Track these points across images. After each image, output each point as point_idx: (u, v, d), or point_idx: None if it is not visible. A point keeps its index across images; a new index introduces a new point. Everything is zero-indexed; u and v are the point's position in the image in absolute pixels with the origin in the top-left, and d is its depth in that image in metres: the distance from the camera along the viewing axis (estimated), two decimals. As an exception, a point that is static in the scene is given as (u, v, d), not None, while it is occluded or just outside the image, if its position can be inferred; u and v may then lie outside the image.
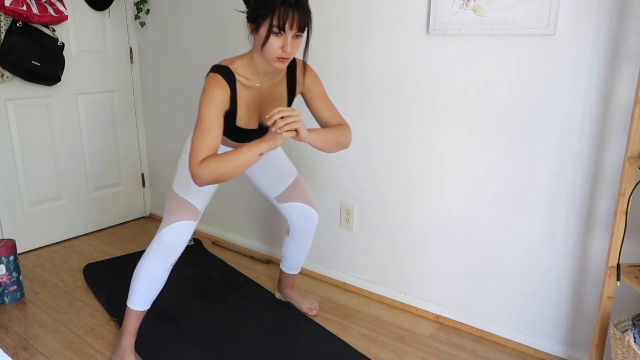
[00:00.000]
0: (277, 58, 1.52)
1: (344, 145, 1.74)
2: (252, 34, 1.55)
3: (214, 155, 1.51)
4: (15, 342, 1.94)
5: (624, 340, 1.39)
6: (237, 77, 1.60)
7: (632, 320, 1.51)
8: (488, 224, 1.94)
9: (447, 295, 2.11)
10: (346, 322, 2.11)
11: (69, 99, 2.80)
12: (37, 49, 2.48)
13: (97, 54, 2.90)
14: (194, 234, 3.03)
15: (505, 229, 1.91)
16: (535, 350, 1.92)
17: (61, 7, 2.53)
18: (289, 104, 1.79)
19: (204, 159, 1.50)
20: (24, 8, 2.35)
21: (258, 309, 2.17)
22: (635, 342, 1.39)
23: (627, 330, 1.49)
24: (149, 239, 2.94)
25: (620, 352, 1.42)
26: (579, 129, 1.69)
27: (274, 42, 1.49)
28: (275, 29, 1.47)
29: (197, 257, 2.66)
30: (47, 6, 2.47)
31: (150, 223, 3.22)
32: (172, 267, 1.78)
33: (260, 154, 1.52)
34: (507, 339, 1.98)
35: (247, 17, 1.54)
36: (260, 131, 1.73)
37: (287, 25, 1.46)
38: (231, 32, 2.57)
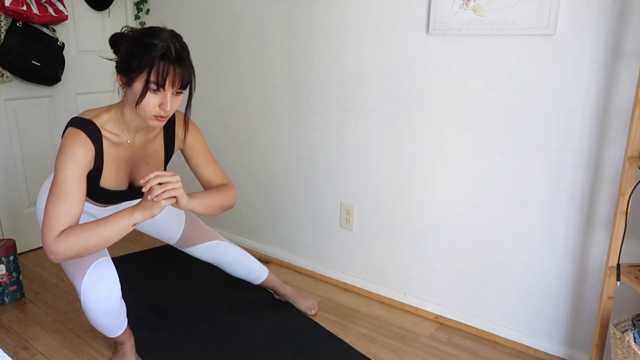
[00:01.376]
0: (154, 116, 1.35)
1: (229, 207, 1.60)
2: (122, 87, 1.38)
3: (76, 226, 1.32)
4: (15, 342, 1.94)
5: (624, 340, 1.39)
6: (103, 132, 1.42)
7: (632, 320, 1.51)
8: (488, 224, 1.94)
9: (447, 295, 2.11)
10: (346, 322, 2.11)
11: (69, 99, 2.80)
12: (37, 49, 2.48)
13: (97, 54, 2.90)
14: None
15: (505, 229, 1.91)
16: (535, 350, 1.92)
17: (61, 7, 2.53)
18: (166, 162, 1.64)
19: (63, 231, 1.30)
20: (24, 8, 2.35)
21: (258, 309, 2.17)
22: (635, 342, 1.39)
23: (627, 330, 1.49)
24: (149, 239, 2.93)
25: (620, 352, 1.42)
26: (579, 129, 1.69)
27: (151, 99, 1.32)
28: (153, 86, 1.30)
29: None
30: (47, 6, 2.47)
31: (150, 223, 3.21)
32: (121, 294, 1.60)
33: (134, 225, 1.36)
34: (506, 339, 1.98)
35: (117, 68, 1.37)
36: (130, 191, 1.56)
37: (167, 82, 1.30)
38: (231, 32, 2.57)
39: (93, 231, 1.32)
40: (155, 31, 1.35)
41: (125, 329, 1.75)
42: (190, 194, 1.46)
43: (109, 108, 1.46)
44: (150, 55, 1.29)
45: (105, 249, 1.59)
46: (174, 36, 1.36)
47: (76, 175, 1.34)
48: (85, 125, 1.39)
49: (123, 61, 1.35)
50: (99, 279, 1.52)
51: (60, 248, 1.30)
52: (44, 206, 1.51)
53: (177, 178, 1.36)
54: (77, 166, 1.35)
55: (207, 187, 1.65)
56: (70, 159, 1.34)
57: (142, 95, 1.32)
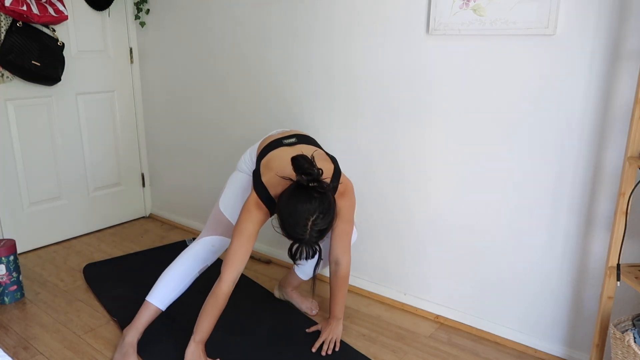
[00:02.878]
0: None
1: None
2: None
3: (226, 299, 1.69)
4: (15, 342, 1.94)
5: (624, 340, 1.39)
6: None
7: (632, 320, 1.51)
8: (487, 224, 1.94)
9: (447, 295, 2.11)
10: (346, 322, 2.11)
11: (69, 99, 2.81)
12: (37, 49, 2.48)
13: (97, 54, 2.90)
14: (194, 233, 3.03)
15: (504, 229, 1.91)
16: (535, 350, 1.92)
17: (61, 7, 2.53)
18: None
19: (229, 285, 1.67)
20: (24, 8, 2.35)
21: (258, 308, 2.17)
22: (635, 342, 1.39)
23: (627, 330, 1.49)
24: (149, 239, 2.94)
25: (620, 352, 1.42)
26: (579, 129, 1.69)
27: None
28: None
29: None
30: (47, 6, 2.47)
31: (150, 223, 3.22)
32: (199, 274, 1.91)
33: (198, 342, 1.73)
34: (507, 339, 1.98)
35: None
36: None
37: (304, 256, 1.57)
38: (231, 32, 2.57)
39: (212, 314, 1.70)
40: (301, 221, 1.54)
41: (158, 313, 1.84)
42: (336, 320, 1.93)
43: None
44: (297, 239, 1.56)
45: (229, 237, 1.90)
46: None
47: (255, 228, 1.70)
48: (263, 195, 1.68)
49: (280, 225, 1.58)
50: (212, 245, 1.89)
51: (226, 290, 1.68)
52: (244, 170, 1.94)
53: (335, 334, 1.90)
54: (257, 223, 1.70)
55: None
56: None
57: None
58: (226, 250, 1.70)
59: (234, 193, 1.91)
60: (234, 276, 1.67)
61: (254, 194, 1.68)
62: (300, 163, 1.51)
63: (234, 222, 1.87)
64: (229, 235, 1.89)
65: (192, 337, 1.72)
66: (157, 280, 1.87)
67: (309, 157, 1.53)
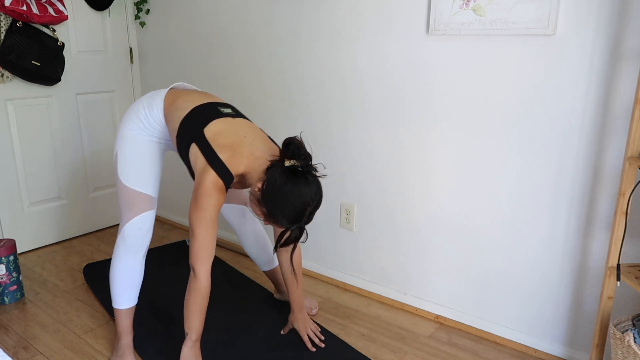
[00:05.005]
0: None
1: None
2: (260, 204, 1.53)
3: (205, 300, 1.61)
4: (15, 342, 1.94)
5: (624, 340, 1.39)
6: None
7: (632, 320, 1.51)
8: (487, 224, 1.94)
9: (447, 295, 2.11)
10: (346, 322, 2.11)
11: (69, 99, 2.81)
12: (37, 49, 2.48)
13: (97, 54, 2.90)
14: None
15: (504, 229, 1.91)
16: (535, 350, 1.92)
17: (61, 7, 2.53)
18: None
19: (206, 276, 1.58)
20: (24, 8, 2.35)
21: (258, 308, 2.17)
22: (635, 342, 1.39)
23: (627, 330, 1.49)
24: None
25: (620, 352, 1.42)
26: (579, 129, 1.69)
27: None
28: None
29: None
30: (47, 6, 2.47)
31: (150, 223, 3.22)
32: (145, 258, 1.83)
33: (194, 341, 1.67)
34: (507, 339, 1.98)
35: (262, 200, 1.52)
36: None
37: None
38: (231, 32, 2.57)
39: (200, 310, 1.62)
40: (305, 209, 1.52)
41: (133, 310, 1.81)
42: (301, 310, 1.93)
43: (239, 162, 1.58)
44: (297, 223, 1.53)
45: (156, 200, 1.78)
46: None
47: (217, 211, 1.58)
48: (226, 177, 1.56)
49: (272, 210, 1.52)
50: (141, 226, 1.73)
51: (206, 284, 1.58)
52: (125, 134, 1.72)
53: (311, 323, 1.95)
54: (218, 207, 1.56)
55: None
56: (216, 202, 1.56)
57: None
58: (191, 242, 1.56)
59: (132, 160, 1.70)
60: (208, 267, 1.58)
61: (214, 175, 1.52)
62: (296, 148, 1.48)
63: (146, 191, 1.71)
64: (151, 208, 1.73)
65: (188, 337, 1.64)
66: (110, 283, 1.79)
67: (298, 140, 1.50)
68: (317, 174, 1.53)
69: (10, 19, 2.41)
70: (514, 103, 1.79)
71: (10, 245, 2.19)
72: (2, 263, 2.17)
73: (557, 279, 1.83)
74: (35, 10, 2.40)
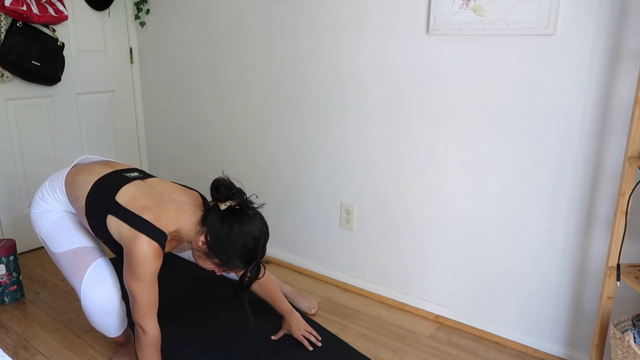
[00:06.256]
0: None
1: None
2: (204, 248, 1.47)
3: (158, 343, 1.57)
4: (15, 342, 1.94)
5: (624, 340, 1.39)
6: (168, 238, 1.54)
7: (632, 320, 1.51)
8: (488, 224, 1.94)
9: (447, 295, 2.11)
10: (346, 322, 2.11)
11: (69, 99, 2.81)
12: (37, 49, 2.48)
13: (97, 54, 2.90)
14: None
15: (505, 229, 1.91)
16: (535, 350, 1.92)
17: (61, 7, 2.53)
18: None
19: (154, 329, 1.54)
20: (24, 8, 2.35)
21: (258, 309, 2.17)
22: (635, 342, 1.39)
23: (627, 330, 1.49)
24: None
25: (620, 352, 1.42)
26: (579, 129, 1.69)
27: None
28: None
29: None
30: (47, 6, 2.47)
31: (150, 223, 3.22)
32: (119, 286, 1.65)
33: None
34: (507, 339, 1.98)
35: (210, 248, 1.45)
36: None
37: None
38: (231, 32, 2.57)
39: (157, 356, 1.59)
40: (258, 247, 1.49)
41: (126, 328, 1.75)
42: (291, 314, 1.93)
43: (179, 220, 1.52)
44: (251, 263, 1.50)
45: (102, 249, 1.66)
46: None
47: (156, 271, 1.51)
48: (159, 237, 1.47)
49: (218, 250, 1.47)
50: (98, 279, 1.57)
51: (157, 334, 1.55)
52: (37, 212, 1.68)
53: (305, 324, 1.93)
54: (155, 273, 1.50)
55: None
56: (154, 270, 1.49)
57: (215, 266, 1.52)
58: (132, 304, 1.49)
59: (54, 230, 1.63)
60: (155, 319, 1.53)
61: (145, 239, 1.43)
62: (226, 188, 1.45)
63: (82, 245, 1.61)
64: (96, 257, 1.60)
65: None
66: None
67: (226, 180, 1.47)
68: (255, 206, 1.49)
69: (10, 19, 2.41)
70: (513, 103, 1.79)
71: (10, 245, 2.19)
72: (2, 263, 2.17)
73: (557, 279, 1.83)
74: (35, 10, 2.40)
